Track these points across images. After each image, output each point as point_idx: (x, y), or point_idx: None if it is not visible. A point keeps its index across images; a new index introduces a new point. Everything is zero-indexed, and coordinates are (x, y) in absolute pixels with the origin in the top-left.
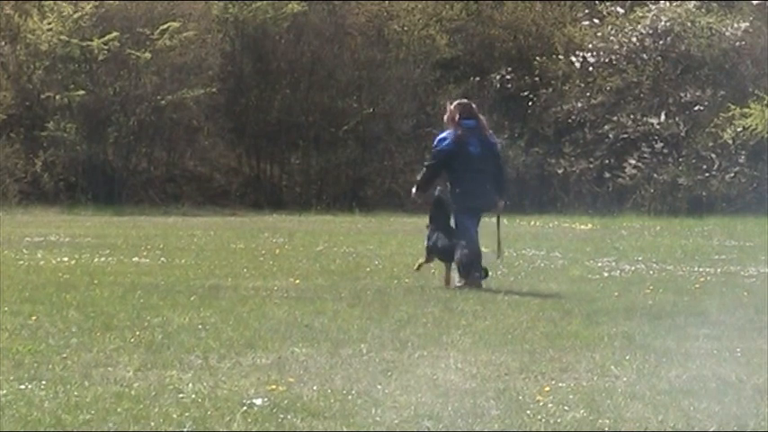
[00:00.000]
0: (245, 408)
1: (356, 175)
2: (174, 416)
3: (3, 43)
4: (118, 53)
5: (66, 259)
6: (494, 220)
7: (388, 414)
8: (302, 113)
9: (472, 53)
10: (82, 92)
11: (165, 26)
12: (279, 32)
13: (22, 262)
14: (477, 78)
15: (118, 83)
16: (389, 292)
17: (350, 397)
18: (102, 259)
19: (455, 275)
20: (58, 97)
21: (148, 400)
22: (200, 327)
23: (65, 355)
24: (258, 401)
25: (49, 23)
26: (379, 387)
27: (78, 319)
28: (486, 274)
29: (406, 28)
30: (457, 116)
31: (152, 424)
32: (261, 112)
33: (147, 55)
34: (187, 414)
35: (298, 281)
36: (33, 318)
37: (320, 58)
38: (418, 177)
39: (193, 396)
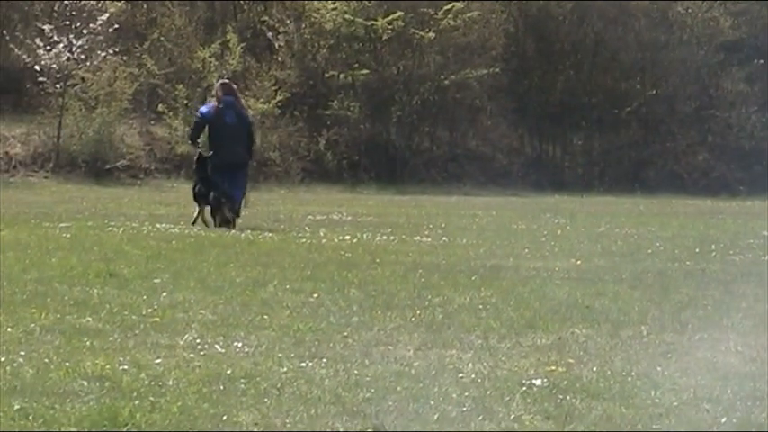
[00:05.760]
0: (524, 388)
1: (638, 157)
2: (454, 395)
3: (288, 22)
4: (402, 33)
5: (347, 238)
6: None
7: (668, 396)
8: (585, 95)
9: (756, 36)
10: (366, 71)
11: (449, 6)
12: (562, 13)
13: (304, 240)
14: (761, 61)
15: (401, 62)
16: (670, 274)
17: (629, 378)
18: (384, 238)
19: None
20: (341, 76)
21: (428, 379)
22: (480, 306)
23: (345, 334)
24: (538, 382)
25: (334, 3)
26: (659, 369)
27: (359, 298)
28: (237, 215)
29: (689, 10)
30: (220, 93)
31: (431, 403)
32: (543, 92)
33: (431, 35)
34: (466, 394)
35: (579, 262)
36: (315, 296)
37: (603, 40)
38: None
39: (473, 376)
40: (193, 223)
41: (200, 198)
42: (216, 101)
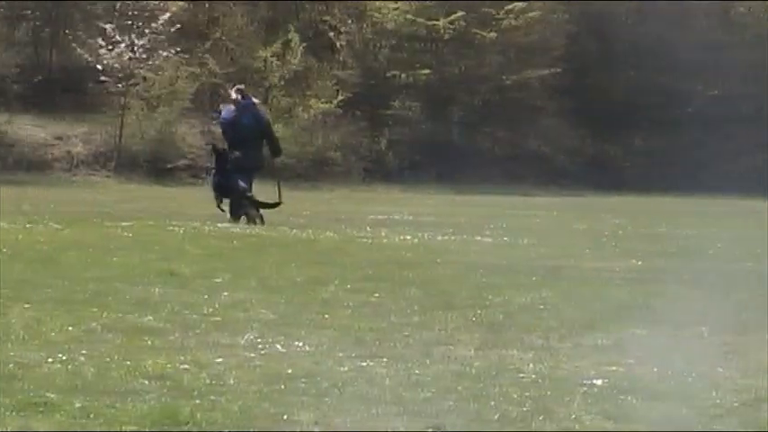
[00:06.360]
0: (584, 388)
1: (698, 157)
2: (514, 395)
3: (349, 21)
4: (463, 33)
5: (408, 237)
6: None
7: (728, 397)
8: (645, 95)
9: None
10: (427, 71)
11: (511, 6)
12: (623, 14)
13: (365, 240)
14: None
15: (462, 62)
16: (730, 275)
17: (689, 379)
18: (445, 238)
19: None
20: (403, 76)
21: (488, 379)
22: (540, 307)
23: (406, 333)
24: (598, 382)
25: (396, 2)
26: (720, 370)
27: (420, 298)
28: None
29: (751, 9)
30: (237, 96)
31: (492, 403)
32: (604, 93)
33: (493, 35)
34: (527, 394)
35: (639, 262)
36: (375, 295)
37: (664, 40)
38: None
39: (533, 376)
40: (221, 209)
41: (214, 189)
42: (233, 104)
